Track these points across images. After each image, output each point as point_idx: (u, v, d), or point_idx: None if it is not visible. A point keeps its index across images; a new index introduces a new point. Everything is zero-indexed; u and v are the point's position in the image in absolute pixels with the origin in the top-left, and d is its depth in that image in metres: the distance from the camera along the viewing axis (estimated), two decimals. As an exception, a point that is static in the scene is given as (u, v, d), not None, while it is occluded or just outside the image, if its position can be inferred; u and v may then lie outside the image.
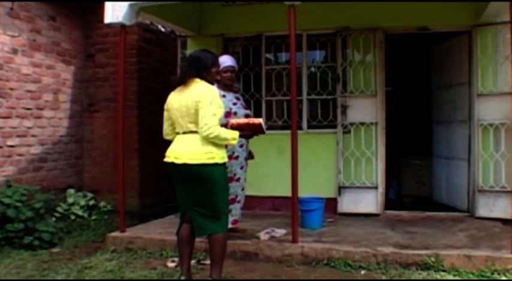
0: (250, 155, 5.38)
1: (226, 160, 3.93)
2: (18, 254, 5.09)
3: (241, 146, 5.00)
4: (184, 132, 3.89)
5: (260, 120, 4.14)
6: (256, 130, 4.18)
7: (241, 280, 4.30)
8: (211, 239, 3.89)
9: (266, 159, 6.63)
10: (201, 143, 3.78)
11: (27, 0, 6.32)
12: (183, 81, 3.91)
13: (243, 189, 5.21)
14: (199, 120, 3.74)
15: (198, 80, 3.89)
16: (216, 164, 3.79)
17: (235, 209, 5.12)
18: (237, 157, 5.03)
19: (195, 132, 3.82)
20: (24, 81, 6.30)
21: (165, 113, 4.05)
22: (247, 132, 4.17)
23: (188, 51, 7.13)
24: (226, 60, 5.01)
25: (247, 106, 5.41)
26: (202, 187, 3.82)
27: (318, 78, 6.68)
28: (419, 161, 7.44)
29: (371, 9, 6.27)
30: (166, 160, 3.92)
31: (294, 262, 4.62)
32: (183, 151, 3.82)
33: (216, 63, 4.06)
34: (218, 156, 3.82)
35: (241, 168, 5.13)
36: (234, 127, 4.07)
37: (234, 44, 7.07)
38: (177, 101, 3.91)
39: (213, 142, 3.78)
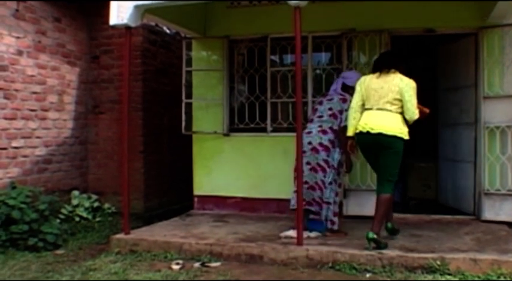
0: (347, 167, 5.49)
1: (408, 137, 4.71)
2: (23, 255, 5.10)
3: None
4: (378, 109, 4.71)
5: (428, 110, 4.92)
6: (421, 117, 4.82)
7: (246, 282, 4.29)
8: (378, 198, 4.73)
9: (271, 161, 6.62)
10: (395, 120, 4.67)
11: (32, 0, 6.34)
12: (390, 70, 4.77)
13: (336, 194, 5.33)
14: (407, 105, 4.65)
15: (395, 71, 4.78)
16: (402, 139, 4.67)
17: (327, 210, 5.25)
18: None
19: (389, 110, 4.67)
20: (29, 82, 6.31)
21: (358, 89, 4.88)
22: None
23: (193, 53, 7.12)
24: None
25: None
26: (387, 154, 4.70)
27: (323, 80, 6.65)
28: (425, 163, 7.38)
29: (377, 11, 6.24)
30: (361, 129, 4.75)
31: (298, 265, 4.58)
32: (380, 123, 4.67)
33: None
34: (405, 132, 4.70)
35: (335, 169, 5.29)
36: None
37: (239, 45, 7.06)
38: (376, 83, 4.78)
39: (405, 121, 4.71)
